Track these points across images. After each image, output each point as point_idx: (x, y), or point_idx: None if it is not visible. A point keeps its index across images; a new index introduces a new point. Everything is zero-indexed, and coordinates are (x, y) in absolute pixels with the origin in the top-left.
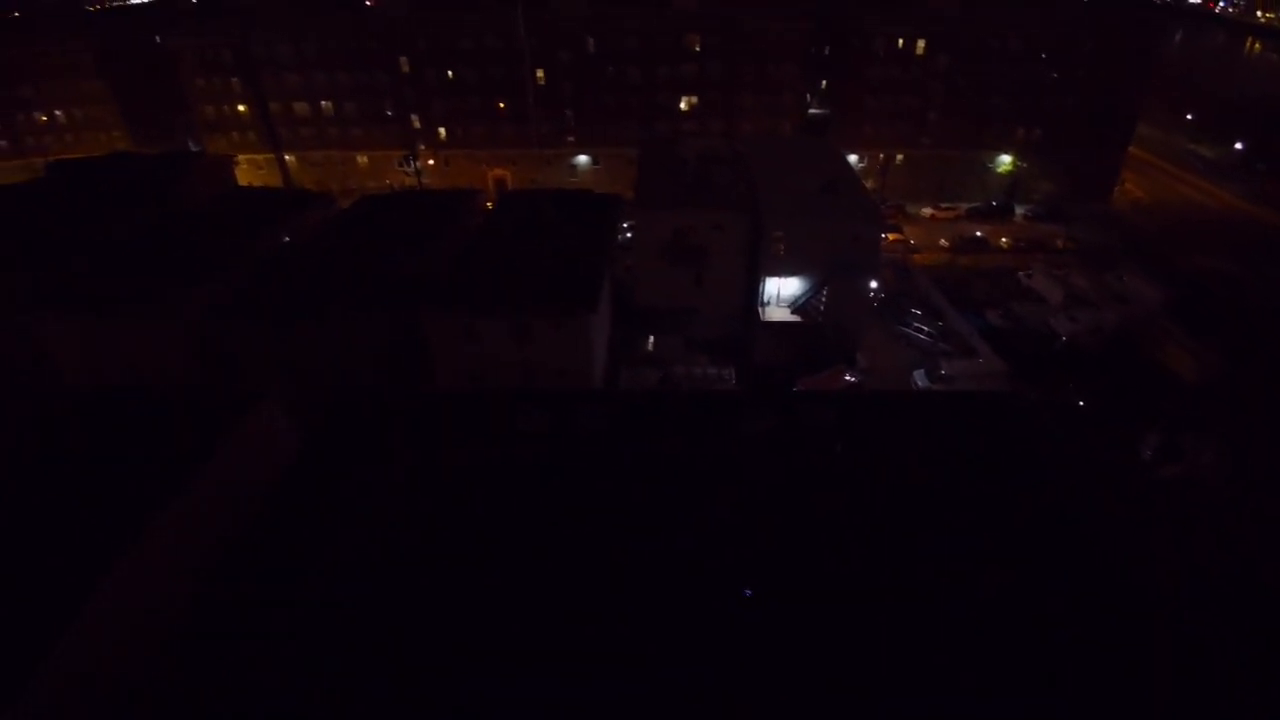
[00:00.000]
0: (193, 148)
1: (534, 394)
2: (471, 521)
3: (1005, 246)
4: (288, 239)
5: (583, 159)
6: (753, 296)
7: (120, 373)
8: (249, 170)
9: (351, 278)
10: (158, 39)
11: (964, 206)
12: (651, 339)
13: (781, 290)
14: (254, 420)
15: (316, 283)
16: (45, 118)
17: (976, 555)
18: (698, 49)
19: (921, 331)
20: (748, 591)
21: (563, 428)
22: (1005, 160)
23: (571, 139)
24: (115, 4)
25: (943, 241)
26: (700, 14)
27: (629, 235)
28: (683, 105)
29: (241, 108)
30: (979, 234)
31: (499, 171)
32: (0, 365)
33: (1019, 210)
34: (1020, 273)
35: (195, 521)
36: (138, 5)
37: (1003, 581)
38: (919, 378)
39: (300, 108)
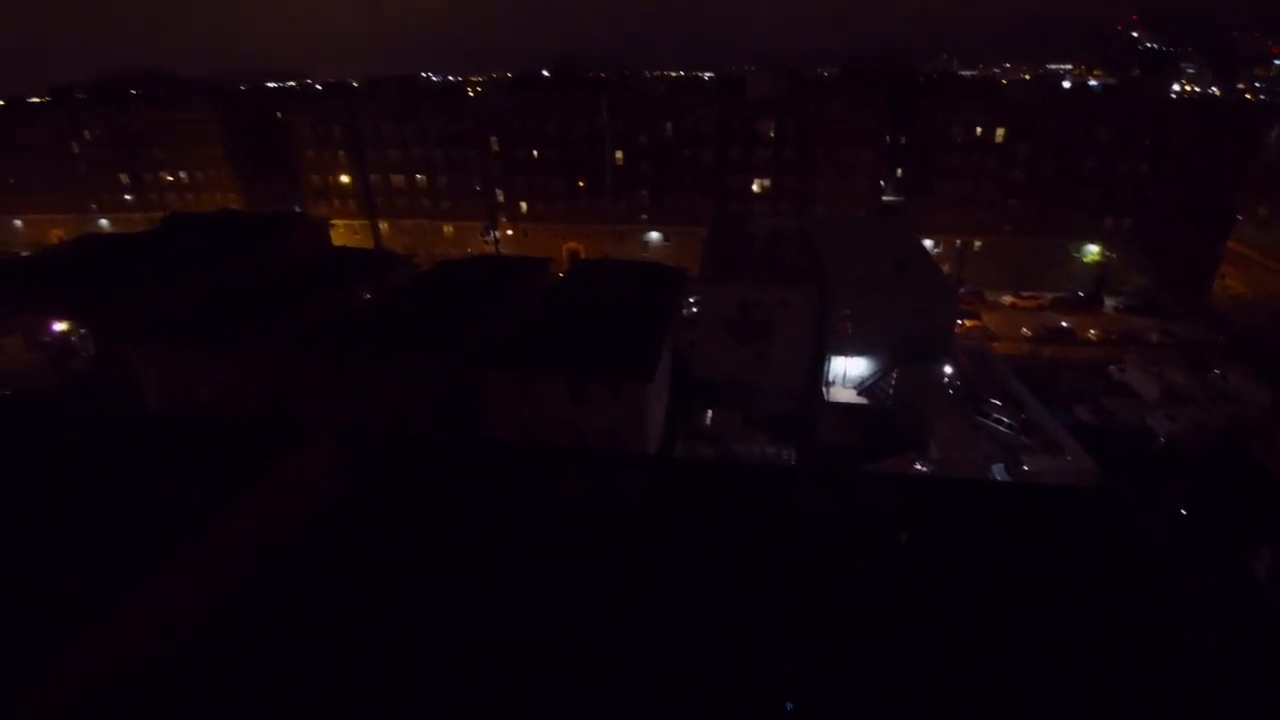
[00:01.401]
0: (298, 211)
1: (579, 454)
2: (493, 574)
3: (1094, 339)
4: (368, 295)
5: (654, 235)
6: (817, 376)
7: (197, 403)
8: (345, 233)
9: (418, 330)
10: (279, 114)
11: (1048, 295)
12: (710, 413)
13: (848, 370)
14: (306, 453)
15: (384, 332)
16: (171, 177)
17: (1057, 673)
18: (771, 134)
19: (1001, 423)
20: (790, 706)
21: (604, 491)
22: (1092, 249)
23: (645, 216)
24: (254, 83)
25: (1025, 331)
26: (774, 100)
27: (694, 309)
28: (755, 187)
29: (345, 178)
30: (1065, 324)
31: (573, 244)
32: (97, 385)
33: (1108, 302)
34: (1112, 366)
35: (234, 543)
36: (272, 87)
37: (1089, 706)
38: (997, 472)
39: (397, 180)
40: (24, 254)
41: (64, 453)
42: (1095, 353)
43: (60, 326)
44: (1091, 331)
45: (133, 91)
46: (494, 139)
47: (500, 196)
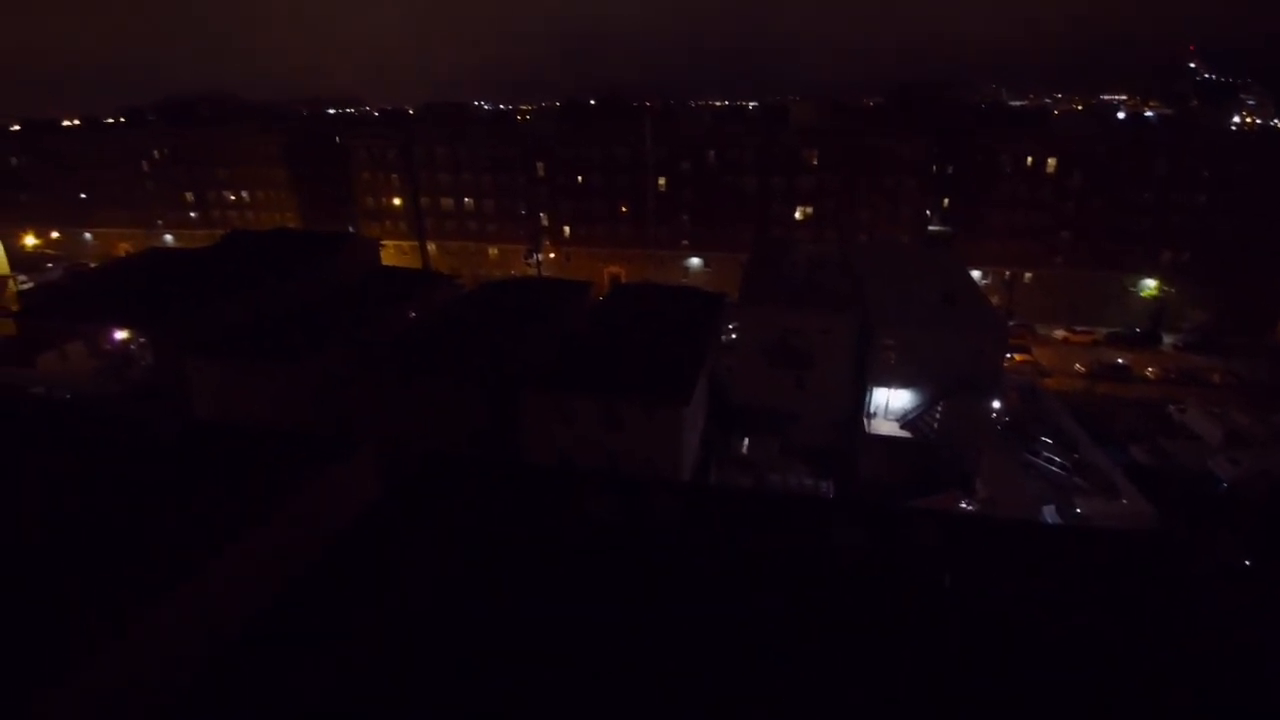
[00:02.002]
0: (350, 231)
1: (611, 476)
2: (516, 593)
3: (1152, 377)
4: (414, 314)
5: (695, 261)
6: (859, 406)
7: (245, 414)
8: (394, 253)
9: (460, 350)
10: (337, 139)
11: (1102, 331)
12: (747, 441)
13: (891, 402)
14: (343, 467)
15: (426, 351)
16: (233, 196)
17: None
18: (815, 161)
19: (1052, 463)
20: None
21: (635, 515)
22: (1149, 284)
23: (686, 242)
24: (315, 109)
25: (1078, 367)
26: (818, 129)
27: (733, 335)
28: (798, 215)
29: (396, 200)
30: (1120, 361)
31: (614, 268)
32: (152, 394)
33: (1167, 338)
34: (1171, 406)
35: (270, 551)
36: (331, 113)
37: None
38: (1048, 514)
39: (446, 203)
40: (92, 265)
41: (117, 457)
42: (1153, 391)
43: (121, 335)
44: (1149, 369)
45: (199, 114)
46: (540, 165)
47: (544, 220)
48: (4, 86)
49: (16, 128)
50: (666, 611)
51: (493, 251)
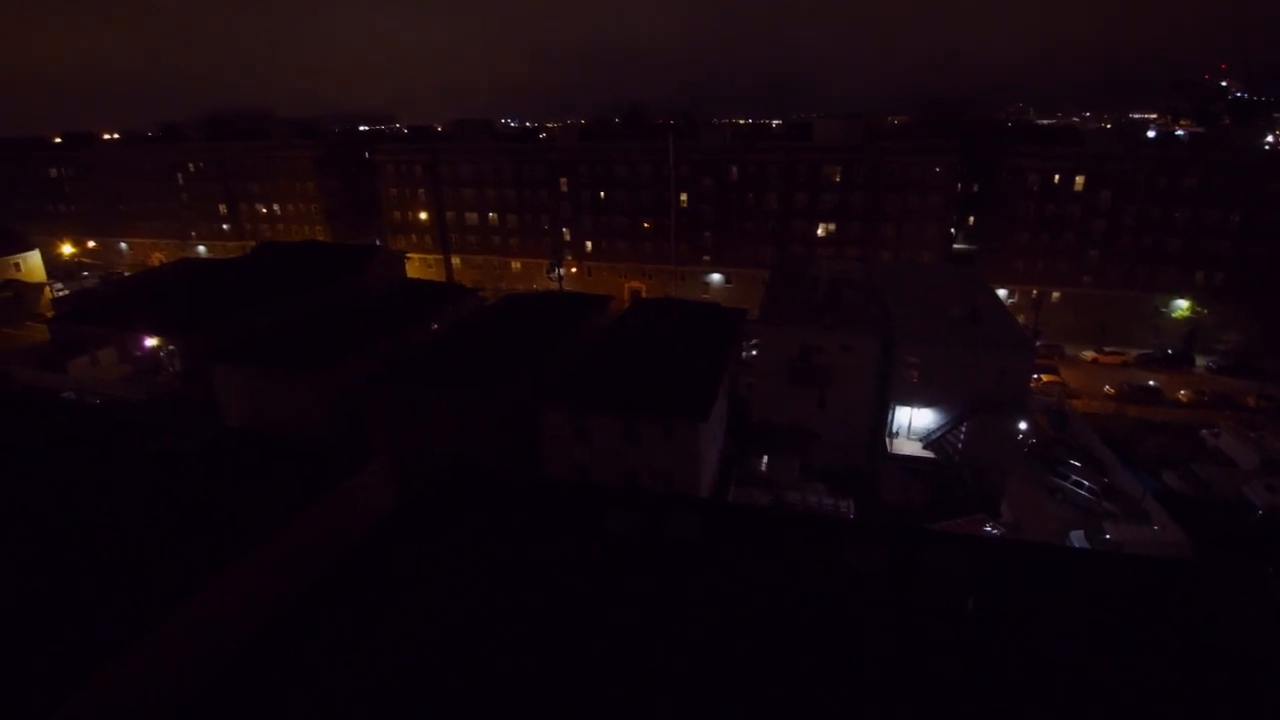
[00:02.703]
0: (377, 244)
1: (628, 492)
2: (526, 606)
3: (1184, 400)
4: (435, 325)
5: (716, 277)
6: (880, 425)
7: (269, 421)
8: (419, 266)
9: (481, 363)
10: (367, 154)
11: (1133, 352)
12: (766, 459)
13: (913, 421)
14: (362, 477)
15: (448, 364)
16: (264, 209)
17: None
18: (837, 179)
19: (1081, 487)
20: None
21: (652, 531)
22: (1181, 304)
23: (707, 258)
24: (347, 125)
25: (1108, 389)
26: (842, 146)
27: (753, 352)
28: (820, 232)
29: (423, 214)
30: (1151, 383)
31: (635, 283)
32: (180, 400)
33: (1199, 360)
34: (1204, 430)
35: (285, 558)
36: (363, 130)
37: None
38: (1076, 540)
39: (470, 217)
40: (126, 274)
41: (140, 463)
42: (1185, 415)
43: (152, 342)
44: (1181, 392)
45: (235, 129)
46: (563, 180)
47: (567, 235)
48: (47, 101)
49: (58, 140)
50: (680, 630)
51: (515, 266)
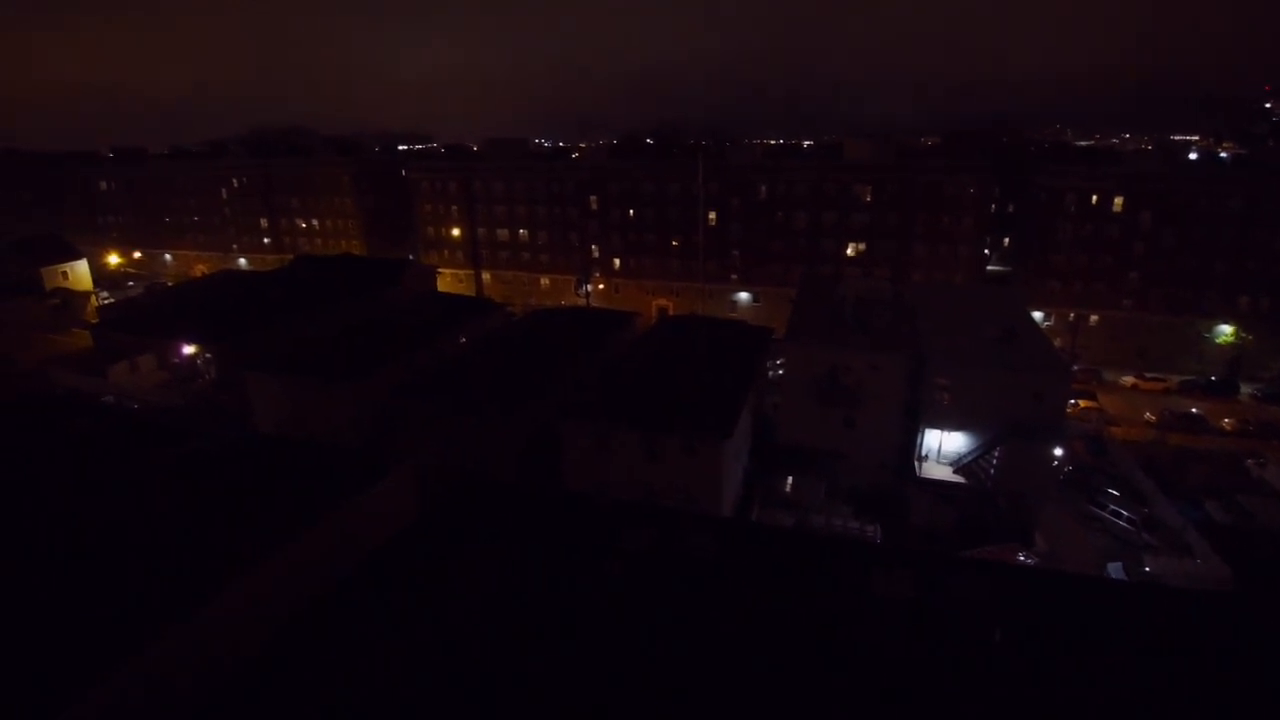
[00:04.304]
0: (410, 258)
1: (648, 509)
2: (540, 620)
3: (1228, 428)
4: (464, 339)
5: (743, 296)
6: (909, 448)
7: (299, 428)
8: (451, 280)
9: (507, 377)
10: (403, 172)
11: (1174, 378)
12: (790, 480)
13: (944, 445)
14: (385, 485)
15: (474, 378)
16: (304, 223)
17: None
18: (868, 198)
19: (1119, 517)
20: None
21: (671, 549)
22: (1225, 330)
23: (735, 276)
24: (385, 144)
25: (1148, 416)
26: (872, 165)
27: (779, 372)
28: (849, 251)
29: (455, 231)
30: (1194, 411)
31: (662, 301)
32: (214, 406)
33: (1244, 388)
34: (1249, 460)
35: (306, 561)
36: (401, 149)
37: None
38: (1114, 572)
39: (502, 234)
40: (169, 284)
41: (177, 465)
42: (1230, 444)
43: (190, 350)
44: (1225, 420)
45: (277, 147)
46: (593, 198)
47: (595, 252)
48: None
49: (109, 155)
50: (694, 650)
51: (544, 282)
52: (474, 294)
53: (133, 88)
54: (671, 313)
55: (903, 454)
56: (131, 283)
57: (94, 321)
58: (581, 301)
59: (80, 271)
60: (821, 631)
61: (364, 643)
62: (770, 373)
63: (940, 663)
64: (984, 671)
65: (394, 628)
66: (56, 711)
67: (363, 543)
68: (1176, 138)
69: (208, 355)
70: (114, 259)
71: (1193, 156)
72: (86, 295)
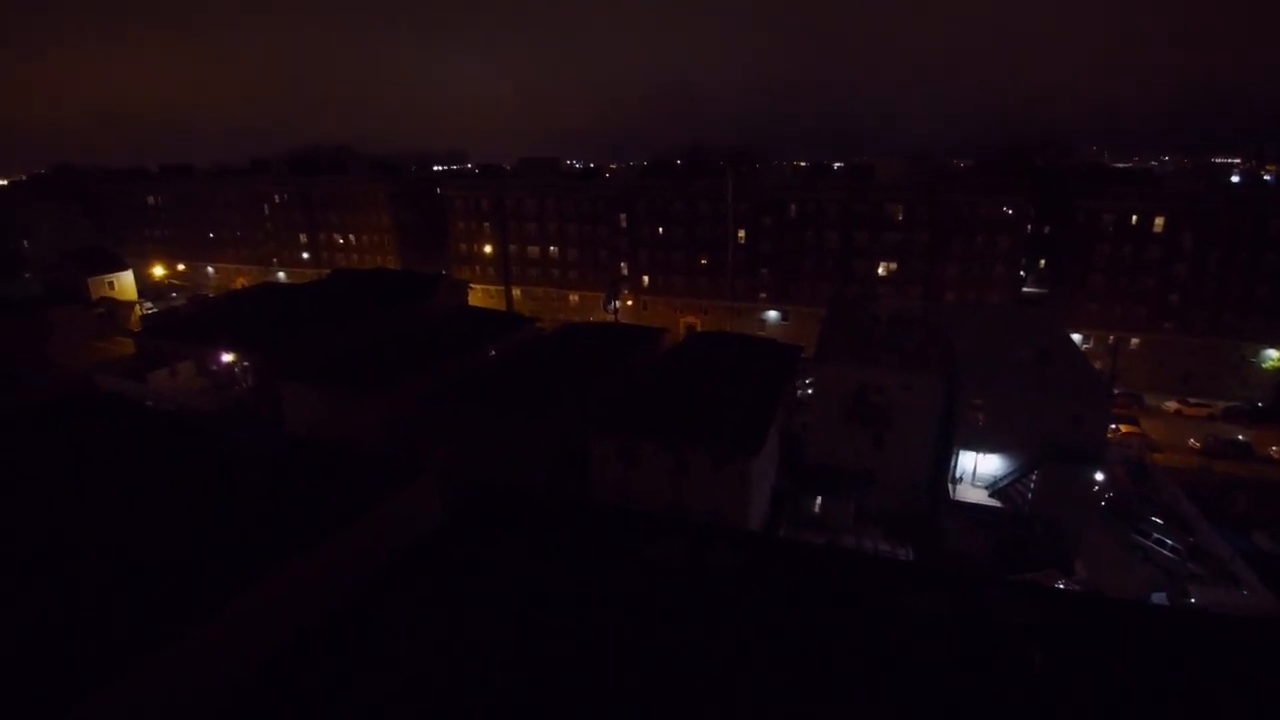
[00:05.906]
0: (443, 273)
1: (675, 522)
2: (562, 633)
3: (1276, 457)
4: (494, 352)
5: (772, 314)
6: (942, 470)
7: (330, 436)
8: (482, 295)
9: (535, 389)
10: (438, 190)
11: (1219, 404)
12: (819, 500)
13: (979, 467)
14: (408, 491)
15: (504, 389)
16: (341, 239)
17: None
18: (900, 218)
19: (1164, 545)
20: None
21: (697, 563)
22: (1272, 355)
23: (764, 295)
24: (421, 163)
25: (1193, 442)
26: (904, 185)
27: (809, 390)
28: (881, 271)
29: (487, 247)
30: (1241, 438)
31: (691, 318)
32: (250, 412)
33: None
34: None
35: (328, 568)
36: (437, 169)
37: None
38: (1158, 601)
39: (532, 250)
40: (211, 295)
41: (213, 468)
42: (1277, 472)
43: (228, 358)
44: (1273, 448)
45: (318, 165)
46: (623, 216)
47: (624, 269)
48: (148, 134)
49: (156, 171)
50: (720, 664)
51: (573, 298)
52: (504, 309)
53: (185, 105)
54: (699, 329)
55: (935, 476)
56: (175, 294)
57: (137, 330)
58: (610, 318)
59: (126, 282)
60: (852, 649)
61: (385, 646)
62: (799, 391)
63: (977, 684)
64: (1023, 695)
65: (416, 631)
66: (81, 703)
67: (389, 546)
68: (1217, 160)
69: (245, 363)
70: (159, 271)
71: (1235, 179)
72: (131, 305)
